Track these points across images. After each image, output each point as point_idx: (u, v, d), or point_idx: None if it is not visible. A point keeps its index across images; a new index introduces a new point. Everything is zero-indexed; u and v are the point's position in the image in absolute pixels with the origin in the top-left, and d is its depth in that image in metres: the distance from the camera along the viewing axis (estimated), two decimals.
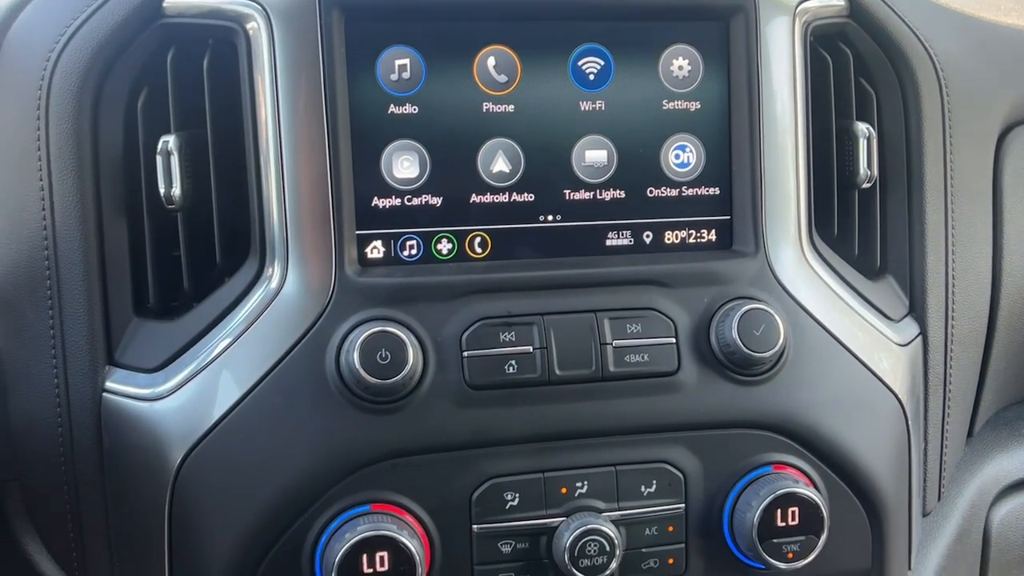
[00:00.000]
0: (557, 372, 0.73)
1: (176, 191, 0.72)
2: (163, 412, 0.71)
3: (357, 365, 0.68)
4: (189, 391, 0.71)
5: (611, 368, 0.74)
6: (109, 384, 0.73)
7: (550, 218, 0.78)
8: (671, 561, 0.76)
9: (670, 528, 0.76)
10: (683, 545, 0.76)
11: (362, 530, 0.68)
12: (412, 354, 0.69)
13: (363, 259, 0.74)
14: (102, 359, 0.74)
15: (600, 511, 0.74)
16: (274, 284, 0.72)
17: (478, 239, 0.77)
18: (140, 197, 0.74)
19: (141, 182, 0.74)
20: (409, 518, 0.71)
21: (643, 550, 0.75)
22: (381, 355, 0.69)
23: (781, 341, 0.75)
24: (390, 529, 0.68)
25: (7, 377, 0.76)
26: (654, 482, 0.75)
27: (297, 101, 0.71)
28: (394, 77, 0.74)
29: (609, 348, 0.74)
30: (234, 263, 0.75)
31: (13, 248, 0.74)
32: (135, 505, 0.73)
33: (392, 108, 0.74)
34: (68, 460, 0.74)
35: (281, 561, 0.70)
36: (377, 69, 0.74)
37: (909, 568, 0.85)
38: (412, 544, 0.68)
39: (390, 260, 0.75)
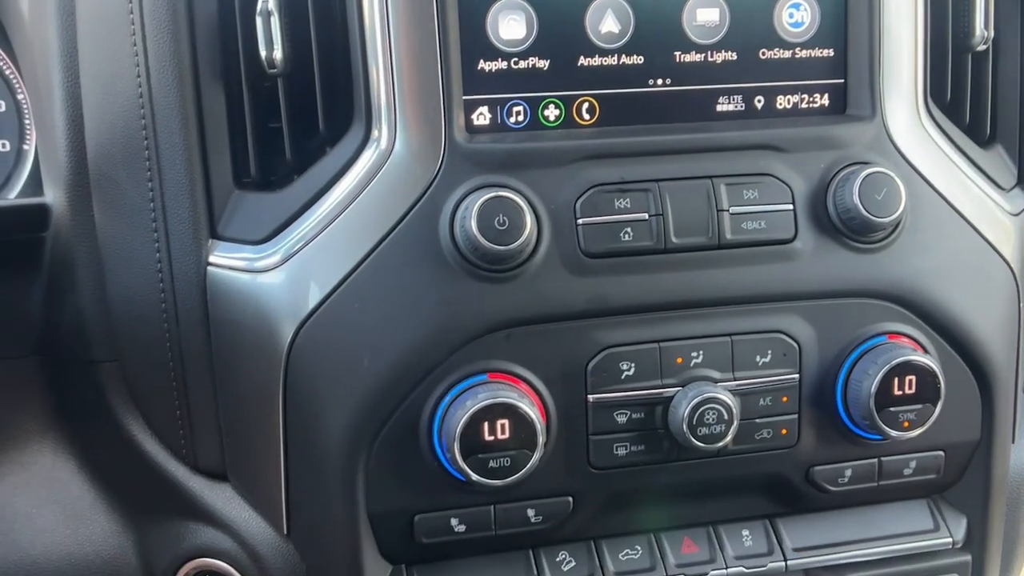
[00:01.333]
0: (673, 240, 0.71)
1: (277, 54, 0.69)
2: (273, 285, 0.69)
3: (475, 231, 0.66)
4: (299, 262, 0.69)
5: (728, 235, 0.72)
6: (213, 258, 0.71)
7: (659, 82, 0.75)
8: (784, 432, 0.75)
9: (784, 399, 0.74)
10: (796, 416, 0.75)
11: (483, 398, 0.66)
12: (529, 220, 0.67)
13: (470, 125, 0.72)
14: (205, 232, 0.72)
15: (715, 381, 0.72)
16: (383, 149, 0.69)
17: (586, 105, 0.74)
18: (238, 62, 0.71)
19: (238, 46, 0.71)
20: (525, 388, 0.70)
21: (756, 420, 0.74)
22: (499, 220, 0.66)
23: (902, 206, 0.72)
24: (510, 397, 0.67)
25: (104, 253, 0.74)
26: (769, 352, 0.74)
27: None
28: None
29: (726, 215, 0.72)
30: (335, 132, 0.72)
31: (107, 118, 0.72)
32: (247, 380, 0.71)
33: None
34: (173, 337, 0.73)
35: (398, 432, 0.69)
36: None
37: (1012, 441, 0.84)
38: (532, 412, 0.67)
39: (496, 127, 0.73)
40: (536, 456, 0.68)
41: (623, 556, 0.77)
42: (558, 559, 0.76)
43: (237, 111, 0.72)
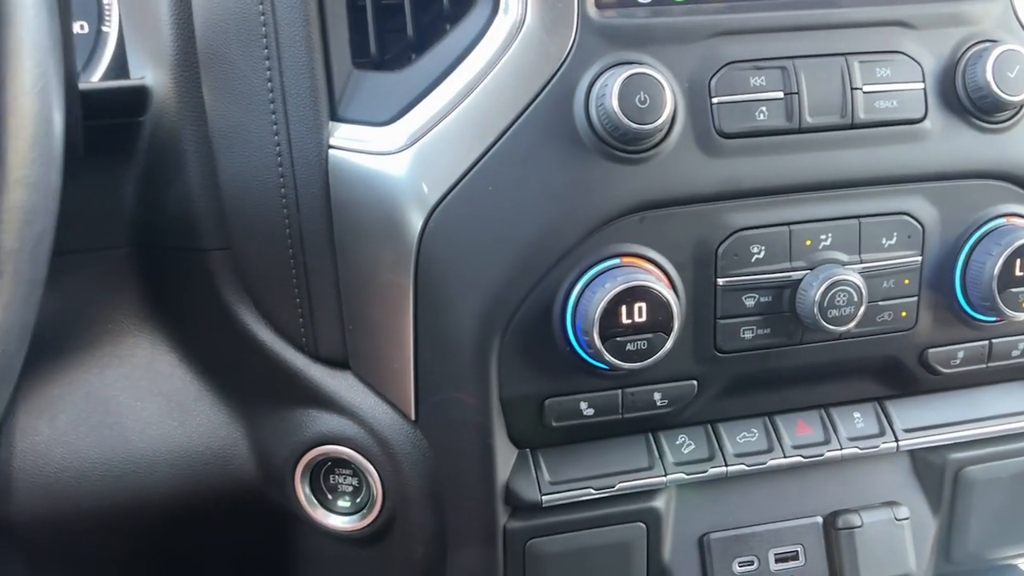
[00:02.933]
0: (808, 120, 0.69)
1: None
2: (401, 167, 0.67)
3: (616, 108, 0.64)
4: (428, 145, 0.67)
5: (861, 115, 0.70)
6: (335, 139, 0.69)
7: None
8: (904, 314, 0.75)
9: (906, 281, 0.74)
10: (916, 298, 0.75)
11: (621, 280, 0.66)
12: (669, 97, 0.65)
13: (597, 0, 0.69)
14: (326, 113, 0.69)
15: (843, 263, 0.72)
16: (514, 22, 0.66)
17: None
18: None
19: None
20: (657, 272, 0.69)
21: (880, 303, 0.74)
22: (640, 98, 0.64)
23: None
24: (648, 280, 0.66)
25: (215, 137, 0.71)
26: (895, 234, 0.73)
27: None
28: None
29: (859, 93, 0.70)
30: (457, 7, 0.69)
31: None
32: (373, 267, 0.70)
33: None
34: (294, 222, 0.71)
35: (530, 317, 0.68)
36: None
37: None
38: (669, 295, 0.67)
39: (624, 2, 0.70)
40: (671, 339, 0.67)
41: (740, 439, 0.77)
42: (678, 442, 0.76)
43: None
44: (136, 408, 0.80)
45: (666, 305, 0.67)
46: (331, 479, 0.76)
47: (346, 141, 0.69)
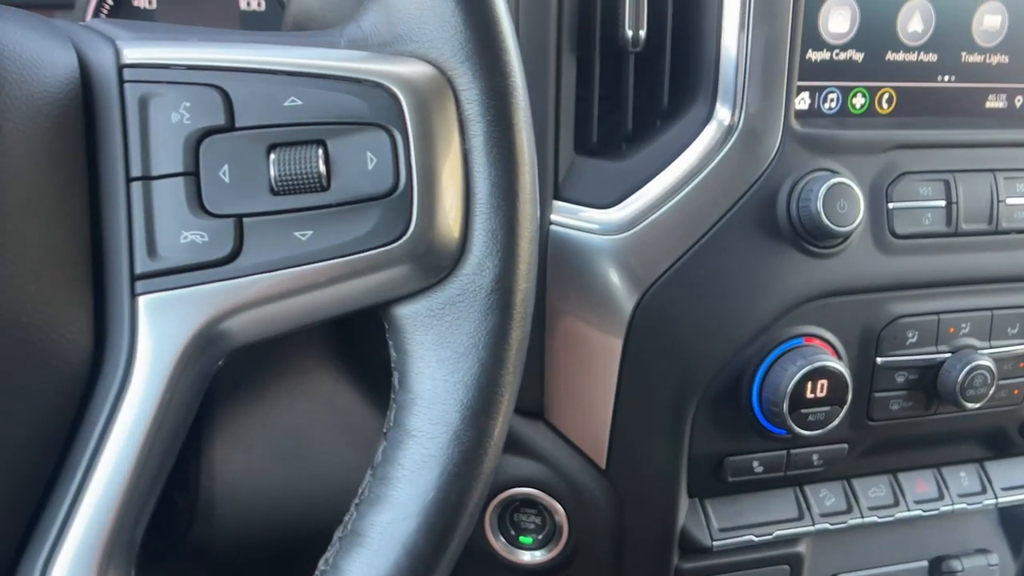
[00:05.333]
0: (963, 226, 0.80)
1: (643, 34, 0.74)
2: (621, 248, 0.75)
3: (820, 212, 0.73)
4: (646, 229, 0.75)
5: (1003, 223, 0.81)
6: (555, 216, 0.77)
7: (945, 78, 0.83)
8: (1016, 392, 0.87)
9: (1021, 364, 0.86)
10: None
11: (810, 359, 0.76)
12: (863, 204, 0.75)
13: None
14: (550, 192, 0.77)
15: (976, 348, 0.83)
16: (726, 127, 0.75)
17: (886, 95, 0.81)
18: (591, 37, 0.76)
19: (595, 23, 0.75)
20: (831, 351, 0.79)
21: (1000, 382, 0.85)
22: (840, 204, 0.74)
23: None
24: (830, 360, 0.76)
25: None
26: (1018, 324, 0.85)
27: None
28: None
29: (1003, 205, 0.81)
30: (674, 107, 0.78)
31: None
32: (583, 332, 0.78)
33: None
34: None
35: (723, 385, 0.78)
36: None
37: None
38: (847, 373, 0.77)
39: (813, 112, 0.80)
40: (844, 411, 0.78)
41: (871, 493, 0.88)
42: (821, 495, 0.87)
43: (583, 83, 0.77)
44: (323, 440, 0.87)
45: (844, 382, 0.77)
46: (515, 516, 0.84)
47: (566, 218, 0.77)
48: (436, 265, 0.42)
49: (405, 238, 0.41)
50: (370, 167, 0.40)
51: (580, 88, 0.77)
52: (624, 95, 0.77)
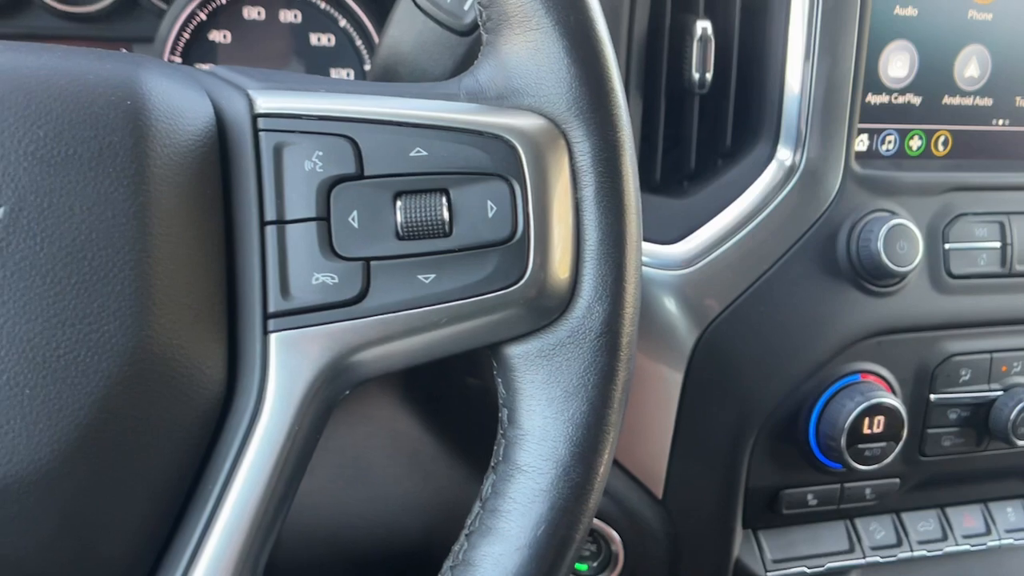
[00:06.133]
0: (1016, 266, 0.82)
1: (709, 77, 0.76)
2: (685, 283, 0.77)
3: (881, 252, 0.75)
4: (709, 266, 0.77)
5: None
6: None
7: (1000, 122, 0.85)
8: None
9: None
10: None
11: (870, 396, 0.77)
12: (921, 246, 0.77)
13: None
14: None
15: None
16: (787, 167, 0.77)
17: (942, 138, 0.83)
18: (658, 78, 0.78)
19: (662, 64, 0.78)
20: (886, 387, 0.81)
21: None
22: (900, 245, 0.76)
23: None
24: (887, 397, 0.78)
25: None
26: None
27: None
28: None
29: None
30: (736, 147, 0.80)
31: None
32: (645, 363, 0.80)
33: (897, 9, 0.79)
34: None
35: (780, 421, 0.79)
36: None
37: None
38: (903, 409, 0.78)
39: (871, 153, 0.82)
40: (899, 446, 0.79)
41: (920, 527, 0.90)
42: (871, 528, 0.88)
43: (648, 122, 0.79)
44: (383, 464, 0.89)
45: (900, 418, 0.78)
46: None
47: None
48: (547, 308, 0.44)
49: (521, 283, 0.43)
50: (490, 215, 0.43)
51: (645, 127, 0.79)
52: (688, 134, 0.80)
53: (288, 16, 0.89)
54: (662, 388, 0.80)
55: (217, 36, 0.87)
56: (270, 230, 0.42)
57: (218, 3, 0.86)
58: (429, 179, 0.42)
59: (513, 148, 0.43)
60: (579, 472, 0.44)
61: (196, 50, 0.87)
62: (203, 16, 0.86)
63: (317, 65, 0.90)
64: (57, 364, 0.37)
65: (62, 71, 0.39)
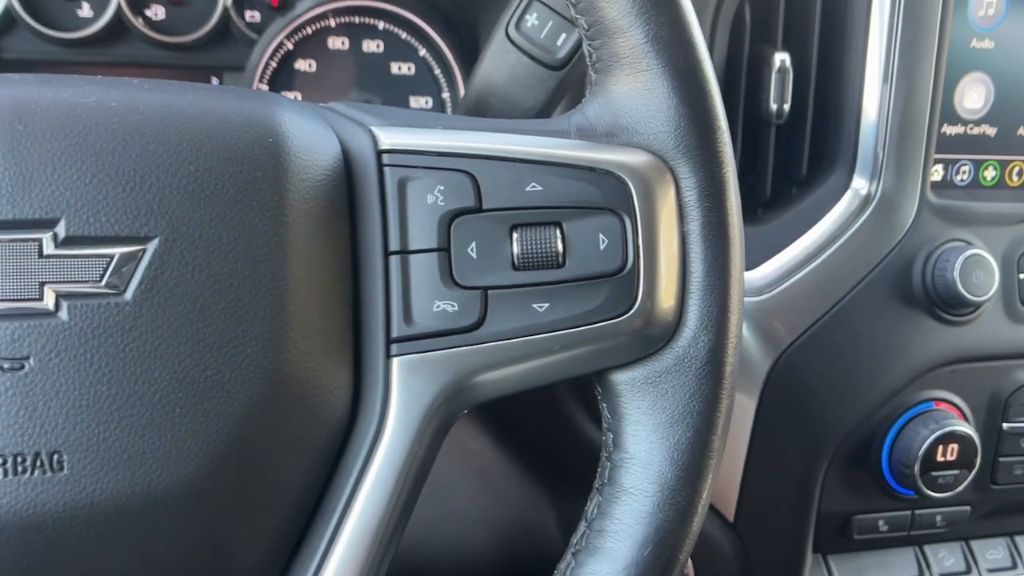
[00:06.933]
0: None
1: (787, 107, 0.78)
2: (760, 310, 0.79)
3: (958, 283, 0.76)
4: (784, 293, 0.78)
5: None
6: None
7: None
8: None
9: None
10: None
11: (943, 424, 0.78)
12: (997, 275, 0.77)
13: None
14: None
15: None
16: (863, 196, 0.79)
17: (1016, 168, 0.84)
18: (735, 109, 0.80)
19: (739, 95, 0.79)
20: (959, 415, 0.81)
21: None
22: (976, 276, 0.77)
23: None
24: (962, 425, 0.78)
25: None
26: None
27: (910, 29, 0.76)
28: (980, 13, 0.79)
29: None
30: (811, 176, 0.82)
31: None
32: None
33: (974, 42, 0.80)
34: None
35: (855, 445, 0.80)
36: (969, 5, 0.79)
37: None
38: (977, 438, 0.79)
39: (945, 183, 0.82)
40: (972, 474, 0.80)
41: (989, 555, 0.90)
42: (940, 555, 0.89)
43: None
44: (455, 482, 0.91)
45: (974, 446, 0.79)
46: None
47: None
48: (653, 337, 0.45)
49: (630, 313, 0.45)
50: (602, 247, 0.45)
51: None
52: (763, 162, 0.81)
53: (371, 46, 0.92)
54: (736, 413, 0.81)
55: (303, 65, 0.91)
56: (394, 260, 0.44)
57: (305, 33, 0.89)
58: (544, 212, 0.45)
59: (624, 184, 0.45)
60: (684, 496, 0.45)
61: (282, 78, 0.90)
62: (290, 46, 0.89)
63: (397, 93, 0.93)
64: (205, 384, 0.39)
65: (209, 110, 0.42)
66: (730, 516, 0.83)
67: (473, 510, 0.91)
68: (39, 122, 0.39)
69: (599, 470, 0.48)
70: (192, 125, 0.41)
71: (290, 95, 0.90)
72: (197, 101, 0.42)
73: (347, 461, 0.44)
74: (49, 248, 0.38)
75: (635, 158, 0.45)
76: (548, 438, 0.89)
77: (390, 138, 0.45)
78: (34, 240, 0.38)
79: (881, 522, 0.83)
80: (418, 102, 0.94)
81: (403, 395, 0.44)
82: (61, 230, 0.38)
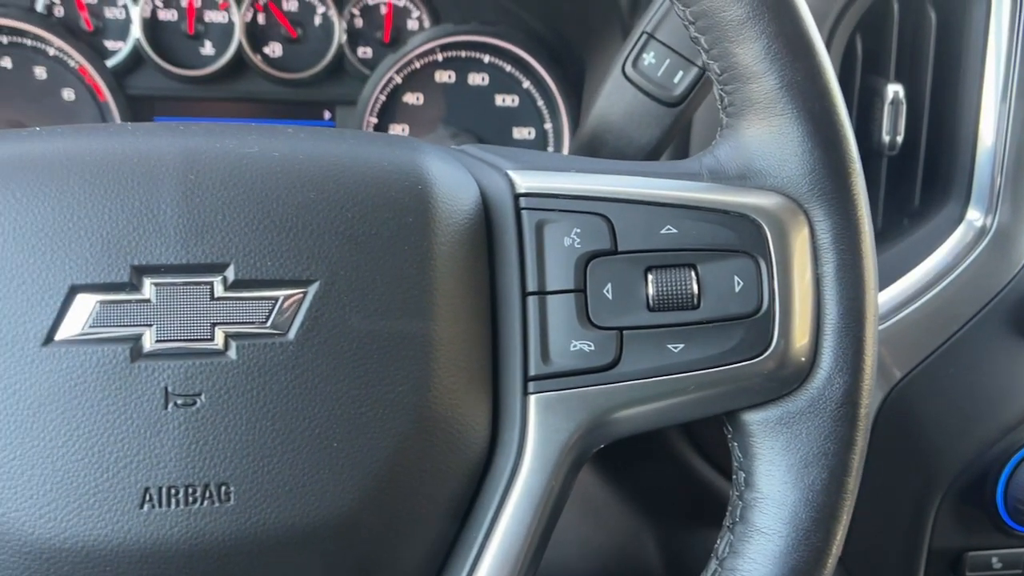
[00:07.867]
0: None
1: (900, 139, 0.77)
2: None
3: None
4: (895, 327, 0.77)
5: None
6: None
7: None
8: None
9: None
10: None
11: None
12: None
13: None
14: None
15: None
16: (978, 228, 0.78)
17: None
18: None
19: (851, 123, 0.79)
20: None
21: None
22: None
23: None
24: None
25: None
26: None
27: None
28: None
29: None
30: (924, 206, 0.81)
31: None
32: None
33: None
34: None
35: (969, 480, 0.79)
36: None
37: None
38: None
39: None
40: None
41: None
42: None
43: None
44: None
45: None
46: None
47: None
48: (787, 378, 0.46)
49: (765, 355, 0.45)
50: (737, 289, 0.45)
51: None
52: (875, 194, 0.81)
53: (476, 79, 0.94)
54: None
55: (411, 98, 0.93)
56: (532, 300, 0.45)
57: (413, 67, 0.92)
58: (679, 255, 0.45)
59: (759, 227, 0.45)
60: (819, 537, 0.46)
61: (391, 111, 0.93)
62: (399, 80, 0.92)
63: (501, 124, 0.95)
64: (360, 420, 0.41)
65: (362, 158, 0.44)
66: (839, 552, 0.82)
67: (576, 538, 0.91)
68: (209, 172, 0.41)
69: (729, 508, 0.49)
70: (348, 174, 0.43)
71: (398, 127, 0.93)
72: (351, 150, 0.44)
73: (486, 495, 0.46)
74: (220, 291, 0.40)
75: (769, 201, 0.46)
76: (651, 469, 0.90)
77: (526, 181, 0.47)
78: (206, 283, 0.40)
79: (995, 559, 0.82)
80: (521, 133, 0.96)
81: (540, 431, 0.45)
82: (231, 274, 0.40)
